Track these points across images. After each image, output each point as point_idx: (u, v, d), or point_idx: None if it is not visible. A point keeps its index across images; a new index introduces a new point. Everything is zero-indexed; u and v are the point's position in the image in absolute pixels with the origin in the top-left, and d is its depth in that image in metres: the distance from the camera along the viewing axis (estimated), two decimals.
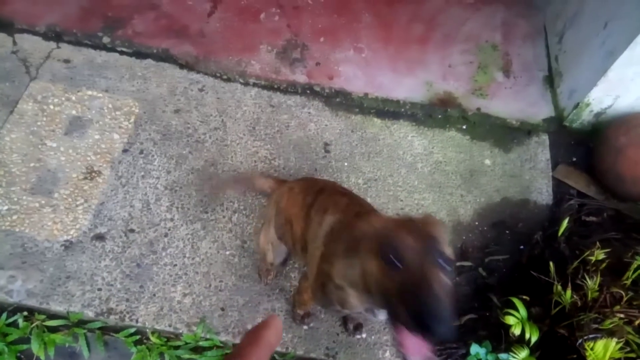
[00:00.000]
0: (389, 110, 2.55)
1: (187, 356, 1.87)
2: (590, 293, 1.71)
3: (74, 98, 2.39)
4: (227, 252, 2.06)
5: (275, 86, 2.54)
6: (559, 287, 1.74)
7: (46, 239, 2.01)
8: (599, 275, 1.74)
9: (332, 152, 2.38)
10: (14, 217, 2.04)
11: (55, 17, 2.63)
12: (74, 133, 2.28)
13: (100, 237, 2.04)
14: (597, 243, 1.86)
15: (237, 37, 2.69)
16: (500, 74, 2.73)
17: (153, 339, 1.88)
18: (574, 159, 2.49)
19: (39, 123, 2.28)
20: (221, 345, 1.89)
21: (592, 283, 1.70)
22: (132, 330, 1.91)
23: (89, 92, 2.42)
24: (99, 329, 1.91)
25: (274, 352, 1.89)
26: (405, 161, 2.40)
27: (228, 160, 2.28)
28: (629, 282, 1.77)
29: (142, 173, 2.21)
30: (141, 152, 2.26)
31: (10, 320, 1.88)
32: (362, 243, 1.11)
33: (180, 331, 1.90)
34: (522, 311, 1.75)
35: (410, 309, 0.89)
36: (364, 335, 1.93)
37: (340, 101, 2.55)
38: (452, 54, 2.79)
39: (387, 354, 1.91)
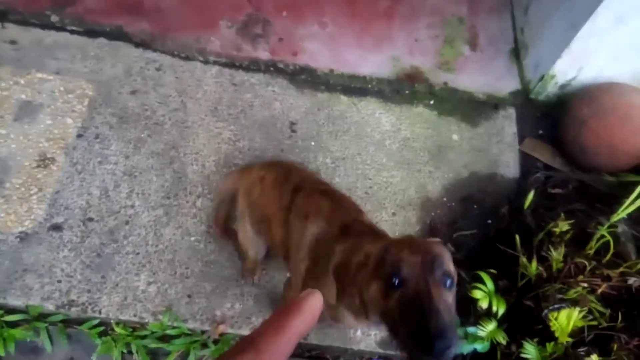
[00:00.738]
0: (355, 87, 2.49)
1: (154, 345, 1.82)
2: (555, 264, 1.73)
3: (22, 81, 2.25)
4: (192, 238, 2.00)
5: (237, 64, 2.44)
6: (525, 260, 1.76)
7: None
8: (563, 247, 1.76)
9: (298, 131, 2.32)
10: None
11: None
12: (24, 118, 2.16)
13: (57, 228, 1.95)
14: (562, 215, 1.89)
15: (195, 13, 2.56)
16: (466, 47, 2.71)
17: (118, 329, 1.82)
18: (540, 132, 2.50)
19: None
20: (189, 332, 1.85)
21: (556, 254, 1.73)
22: (96, 321, 1.84)
23: (39, 75, 2.28)
24: (61, 322, 1.84)
25: (239, 337, 1.87)
26: (373, 139, 2.36)
27: (189, 143, 2.20)
28: (592, 252, 1.80)
29: (99, 159, 2.11)
30: (97, 136, 2.15)
31: None
32: (360, 271, 1.08)
33: (146, 320, 1.85)
34: (490, 284, 1.76)
35: (411, 328, 0.88)
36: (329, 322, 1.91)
37: (306, 78, 2.48)
38: (418, 28, 2.74)
39: (359, 332, 1.91)
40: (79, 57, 2.35)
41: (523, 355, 1.60)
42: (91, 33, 2.42)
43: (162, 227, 2.00)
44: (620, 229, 1.88)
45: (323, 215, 1.39)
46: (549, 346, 1.58)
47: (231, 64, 2.44)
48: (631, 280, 1.74)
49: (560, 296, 1.65)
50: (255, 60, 2.45)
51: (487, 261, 1.97)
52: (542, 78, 2.45)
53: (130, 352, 1.82)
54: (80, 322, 1.85)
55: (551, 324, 1.56)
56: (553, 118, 2.49)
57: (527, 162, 2.39)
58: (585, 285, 1.69)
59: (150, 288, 1.90)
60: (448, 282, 0.96)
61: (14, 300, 1.82)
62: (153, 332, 1.85)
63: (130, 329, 1.86)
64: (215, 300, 1.90)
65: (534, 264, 1.73)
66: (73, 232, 1.95)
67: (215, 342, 1.86)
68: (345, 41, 2.61)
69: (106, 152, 2.13)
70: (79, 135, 2.15)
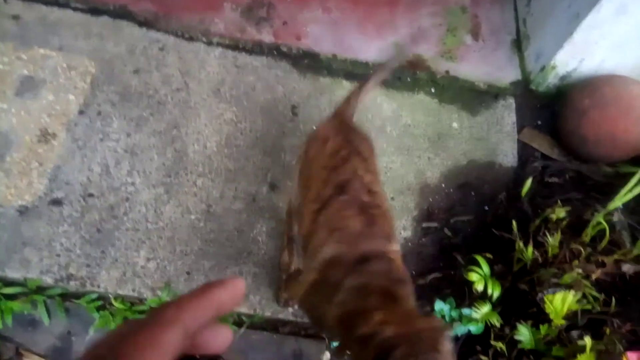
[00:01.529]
0: (357, 72, 2.50)
1: None
2: (551, 249, 1.75)
3: (25, 57, 2.24)
4: (192, 217, 2.01)
5: (241, 46, 2.44)
6: (521, 245, 1.78)
7: None
8: (559, 233, 1.78)
9: (300, 115, 2.32)
10: None
11: None
12: (25, 94, 2.15)
13: (57, 202, 1.96)
14: (559, 202, 1.90)
15: None
16: (469, 37, 2.71)
17: (116, 304, 1.84)
18: (539, 122, 2.52)
19: None
20: None
21: (552, 240, 1.75)
22: (94, 296, 1.85)
23: (42, 51, 2.27)
24: (59, 295, 1.85)
25: (237, 314, 1.88)
26: (374, 125, 2.37)
27: (191, 123, 2.20)
28: (587, 238, 1.82)
29: (101, 136, 2.11)
30: (99, 113, 2.16)
31: None
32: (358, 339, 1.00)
33: (145, 296, 1.86)
34: (485, 268, 1.78)
35: None
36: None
37: (309, 63, 2.48)
38: (421, 16, 2.74)
39: None
40: (82, 34, 2.34)
41: (516, 337, 1.63)
42: (95, 11, 2.42)
43: (162, 205, 2.01)
44: (616, 217, 1.90)
45: (347, 237, 1.26)
46: (543, 328, 1.60)
47: (234, 46, 2.44)
48: (625, 267, 1.77)
49: (555, 280, 1.67)
50: (258, 43, 2.45)
51: (484, 246, 1.99)
52: (543, 69, 2.46)
53: None
54: (78, 296, 1.85)
55: (546, 306, 1.58)
56: (552, 109, 2.51)
57: (525, 152, 2.41)
58: (580, 270, 1.71)
59: (150, 264, 1.91)
60: None
61: (13, 273, 1.83)
62: (152, 307, 1.86)
63: (129, 304, 1.87)
64: (214, 277, 1.92)
65: (530, 249, 1.75)
66: (73, 207, 1.96)
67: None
68: (349, 27, 2.62)
69: (108, 129, 2.13)
70: (81, 112, 2.15)
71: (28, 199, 1.95)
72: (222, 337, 0.47)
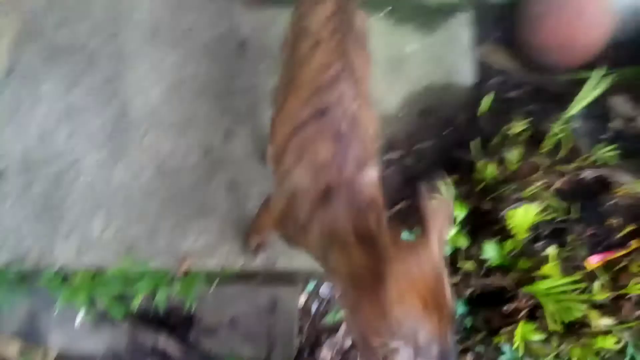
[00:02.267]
0: None
1: (118, 290, 1.78)
2: (511, 165, 1.74)
3: None
4: (145, 177, 1.90)
5: None
6: (481, 164, 1.76)
7: None
8: (519, 147, 1.77)
9: (248, 52, 2.16)
10: None
11: None
12: None
13: None
14: (517, 117, 1.88)
15: None
16: None
17: (77, 278, 1.76)
18: (497, 36, 2.43)
19: None
20: (153, 272, 1.81)
21: (511, 155, 1.73)
22: (53, 273, 1.77)
23: None
24: (16, 278, 1.77)
25: (206, 270, 1.83)
26: None
27: (129, 74, 2.03)
28: (547, 150, 1.82)
29: (32, 98, 1.93)
30: (26, 75, 1.96)
31: None
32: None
33: (107, 265, 1.79)
34: (449, 191, 1.77)
35: None
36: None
37: None
38: None
39: None
40: None
41: (482, 257, 1.65)
42: None
43: (110, 169, 1.89)
44: (574, 125, 1.89)
45: (314, 166, 1.19)
46: (508, 243, 1.63)
47: None
48: (585, 173, 1.78)
49: (517, 196, 1.68)
50: None
51: (448, 170, 1.97)
52: None
53: (93, 302, 1.78)
54: (36, 275, 1.77)
55: (508, 222, 1.59)
56: (508, 20, 2.41)
57: (483, 69, 2.34)
58: (541, 182, 1.72)
59: (106, 232, 1.83)
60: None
61: None
62: (115, 277, 1.80)
63: (91, 276, 1.80)
64: (177, 236, 1.85)
65: (490, 166, 1.74)
66: (14, 181, 1.82)
67: (182, 277, 1.83)
68: None
69: (38, 91, 1.94)
70: (7, 75, 1.94)
71: None
72: None
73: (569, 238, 1.67)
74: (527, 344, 1.63)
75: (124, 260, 1.78)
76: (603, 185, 1.80)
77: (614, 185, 1.77)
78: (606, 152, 1.77)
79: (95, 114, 1.95)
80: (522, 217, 1.58)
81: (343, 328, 1.93)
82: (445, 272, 0.92)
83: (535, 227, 1.71)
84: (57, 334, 1.77)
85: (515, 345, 1.61)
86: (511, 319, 1.68)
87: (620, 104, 2.00)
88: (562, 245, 1.67)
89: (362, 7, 2.32)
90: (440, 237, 0.93)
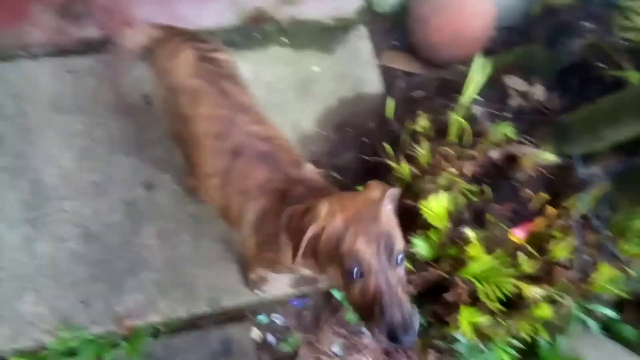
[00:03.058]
0: None
1: None
2: (422, 159, 1.82)
3: None
4: (70, 244, 1.87)
5: (68, 49, 2.21)
6: (395, 164, 1.83)
7: None
8: (426, 141, 1.85)
9: (154, 102, 2.18)
10: None
11: None
12: None
13: None
14: (421, 112, 1.96)
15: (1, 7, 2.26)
16: None
17: None
18: (395, 43, 2.56)
19: None
20: (93, 339, 1.76)
21: (420, 149, 1.81)
22: None
23: None
24: None
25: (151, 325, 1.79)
26: None
27: (38, 147, 2.00)
28: (454, 138, 1.91)
29: None
30: None
31: None
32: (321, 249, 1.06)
33: (45, 342, 1.73)
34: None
35: (377, 324, 0.96)
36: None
37: None
38: None
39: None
40: None
41: (413, 250, 1.70)
42: None
43: (33, 242, 1.85)
44: (475, 109, 2.00)
45: (262, 189, 1.31)
46: (432, 234, 1.68)
47: (61, 52, 2.20)
48: (492, 153, 1.87)
49: (431, 186, 1.75)
50: (85, 41, 2.24)
51: (372, 177, 2.02)
52: None
53: None
54: None
55: (425, 213, 1.65)
56: (402, 26, 2.55)
57: (388, 75, 2.46)
58: (453, 170, 1.79)
59: (39, 308, 1.77)
60: (400, 258, 1.02)
61: None
62: (57, 351, 1.74)
63: (30, 356, 1.73)
64: (113, 297, 1.82)
65: (404, 164, 1.81)
66: None
67: (126, 338, 1.79)
68: None
69: None
70: None
71: None
72: None
73: (487, 217, 1.75)
74: (477, 329, 1.67)
75: (62, 332, 1.72)
76: (511, 161, 1.90)
77: (520, 159, 1.87)
78: (505, 129, 1.88)
79: (9, 192, 1.91)
80: (436, 206, 1.64)
81: (302, 353, 1.92)
82: (391, 214, 1.08)
83: (458, 214, 1.78)
84: None
85: (462, 331, 1.64)
86: (455, 307, 1.72)
87: (514, 82, 2.13)
88: (481, 225, 1.74)
89: (264, 39, 2.41)
90: (382, 194, 1.09)
